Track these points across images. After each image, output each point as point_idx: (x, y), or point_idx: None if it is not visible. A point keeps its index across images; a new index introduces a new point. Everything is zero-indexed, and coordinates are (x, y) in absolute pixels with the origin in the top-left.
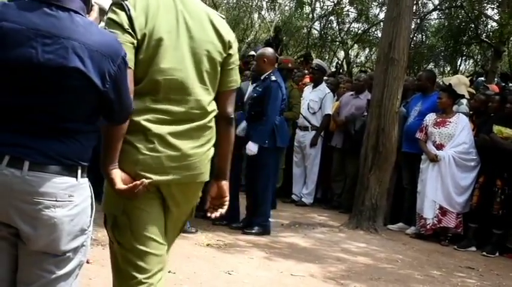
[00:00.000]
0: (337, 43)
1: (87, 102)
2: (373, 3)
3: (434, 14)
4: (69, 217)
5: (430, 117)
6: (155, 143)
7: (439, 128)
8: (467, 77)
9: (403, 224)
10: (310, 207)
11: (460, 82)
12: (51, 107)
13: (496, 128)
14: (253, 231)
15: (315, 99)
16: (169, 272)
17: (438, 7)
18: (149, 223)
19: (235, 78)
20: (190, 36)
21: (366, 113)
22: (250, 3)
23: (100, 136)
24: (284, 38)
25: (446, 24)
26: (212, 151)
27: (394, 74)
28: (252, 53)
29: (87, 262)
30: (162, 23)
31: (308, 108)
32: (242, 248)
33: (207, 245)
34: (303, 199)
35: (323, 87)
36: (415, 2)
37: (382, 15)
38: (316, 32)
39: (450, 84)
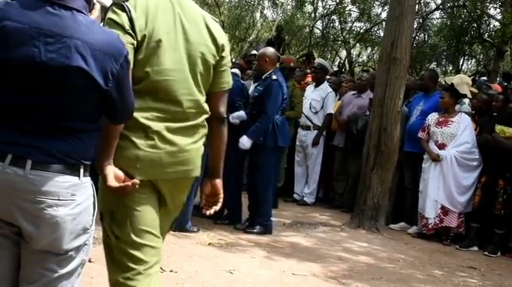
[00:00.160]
0: (339, 42)
1: (89, 101)
2: (375, 2)
3: (437, 14)
4: (72, 216)
5: (432, 117)
6: (155, 140)
7: (441, 127)
8: (469, 76)
9: (405, 223)
10: (311, 206)
11: (462, 82)
12: (54, 106)
13: (498, 128)
14: (255, 230)
15: (317, 99)
16: (171, 271)
17: (440, 6)
18: (147, 217)
19: (227, 80)
20: (187, 38)
21: (368, 113)
22: (252, 2)
23: None
24: (286, 37)
25: (448, 23)
26: (203, 148)
27: (396, 73)
28: (254, 52)
29: (89, 261)
30: (161, 25)
31: (310, 108)
32: (244, 248)
33: (209, 244)
34: (304, 198)
35: (325, 87)
36: (417, 1)
37: (384, 15)
38: (318, 31)
39: (452, 83)
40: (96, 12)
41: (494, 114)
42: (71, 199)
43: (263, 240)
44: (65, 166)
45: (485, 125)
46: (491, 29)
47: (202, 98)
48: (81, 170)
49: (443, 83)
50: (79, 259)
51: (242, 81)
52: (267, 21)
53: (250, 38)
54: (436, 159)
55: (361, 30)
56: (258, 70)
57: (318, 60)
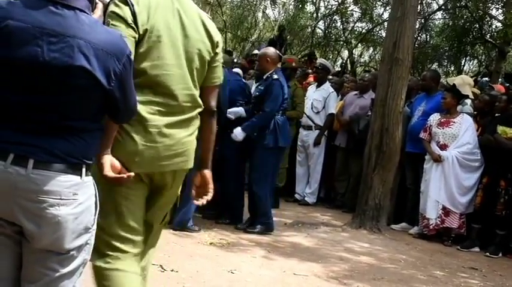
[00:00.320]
0: (341, 42)
1: (92, 100)
2: (377, 2)
3: (439, 14)
4: (74, 215)
5: (434, 118)
6: (153, 134)
7: (443, 128)
8: (471, 77)
9: (406, 224)
10: (313, 206)
11: (464, 82)
12: (57, 106)
13: (500, 129)
14: (256, 230)
15: (318, 99)
16: (172, 270)
17: (442, 7)
18: (133, 213)
19: (219, 75)
20: (185, 34)
21: (369, 113)
22: (255, 2)
23: None
24: (288, 37)
25: (450, 24)
26: (195, 140)
27: (398, 73)
28: (256, 52)
29: (90, 260)
30: (161, 20)
31: (312, 108)
32: (245, 247)
33: (210, 244)
34: (306, 199)
35: (327, 87)
36: (419, 2)
37: (386, 15)
38: (320, 31)
39: (454, 84)
40: (98, 12)
41: (496, 115)
42: (73, 199)
43: (264, 240)
44: (67, 165)
45: (487, 126)
46: (493, 30)
47: (197, 93)
48: (83, 170)
49: (445, 83)
50: (81, 258)
51: (244, 81)
52: (269, 21)
53: (252, 38)
54: (438, 160)
55: (363, 31)
56: (259, 70)
57: (320, 61)
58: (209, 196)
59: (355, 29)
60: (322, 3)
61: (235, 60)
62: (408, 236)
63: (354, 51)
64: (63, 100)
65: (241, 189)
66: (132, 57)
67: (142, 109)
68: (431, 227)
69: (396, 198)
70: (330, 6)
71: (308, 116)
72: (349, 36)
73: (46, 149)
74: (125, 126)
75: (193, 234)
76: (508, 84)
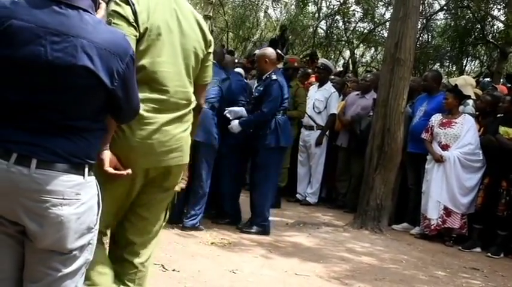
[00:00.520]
0: (343, 42)
1: (95, 100)
2: (379, 2)
3: (441, 14)
4: (76, 215)
5: (436, 118)
6: (148, 131)
7: (445, 128)
8: (473, 77)
9: (408, 224)
10: (314, 206)
11: (466, 83)
12: (60, 105)
13: (502, 129)
14: (252, 230)
15: (320, 99)
16: (173, 270)
17: (444, 7)
18: (116, 203)
19: (210, 74)
20: (182, 33)
21: (371, 113)
22: (256, 2)
23: None
24: (290, 37)
25: (452, 24)
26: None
27: (400, 74)
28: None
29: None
30: (160, 20)
31: (313, 108)
32: (246, 247)
33: (212, 243)
34: (307, 199)
35: (328, 87)
36: (421, 2)
37: (388, 15)
38: (322, 31)
39: (456, 84)
40: (102, 12)
41: (498, 115)
42: (76, 198)
43: (266, 240)
44: (69, 165)
45: (489, 126)
46: (495, 31)
47: (191, 90)
48: (86, 169)
49: (446, 83)
50: (83, 258)
51: (246, 81)
52: (271, 21)
53: (254, 38)
54: (440, 160)
55: (365, 31)
56: (258, 71)
57: (322, 61)
58: (184, 184)
59: (357, 29)
60: (324, 3)
61: (236, 60)
62: (410, 237)
63: (355, 51)
64: (66, 100)
65: (239, 189)
66: (135, 56)
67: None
68: (432, 227)
69: (398, 198)
70: (331, 6)
71: (310, 116)
72: (351, 36)
73: (49, 148)
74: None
75: (195, 234)
76: (509, 85)
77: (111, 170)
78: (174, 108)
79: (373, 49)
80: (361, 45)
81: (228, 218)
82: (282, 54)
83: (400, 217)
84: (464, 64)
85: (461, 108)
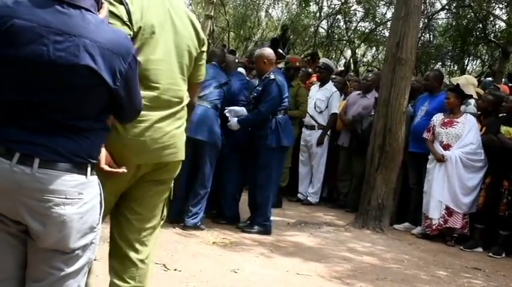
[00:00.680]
0: (344, 42)
1: (97, 100)
2: (381, 2)
3: (442, 14)
4: (79, 215)
5: (438, 118)
6: (141, 128)
7: (447, 128)
8: (475, 77)
9: (409, 224)
10: (316, 206)
11: (468, 82)
12: (62, 105)
13: (504, 129)
14: (253, 230)
15: (321, 98)
16: (175, 270)
17: (446, 7)
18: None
19: (203, 73)
20: (176, 32)
21: (373, 113)
22: (258, 2)
23: None
24: (291, 36)
25: (454, 24)
26: (184, 133)
27: (401, 73)
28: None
29: (94, 259)
30: (153, 18)
31: (315, 107)
32: (248, 247)
33: (213, 243)
34: (308, 198)
35: (330, 86)
36: (422, 1)
37: (389, 14)
38: (323, 30)
39: (458, 84)
40: (104, 12)
41: (500, 115)
42: (78, 198)
43: (267, 239)
44: (72, 165)
45: (490, 126)
46: (497, 30)
47: (184, 88)
48: (89, 169)
49: (448, 83)
50: (86, 258)
51: (248, 79)
52: (272, 21)
53: (255, 37)
54: (441, 160)
55: (366, 30)
56: (257, 71)
57: (323, 60)
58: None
59: (358, 28)
60: (325, 3)
61: (237, 60)
62: (411, 236)
63: (357, 51)
64: (68, 99)
65: (238, 189)
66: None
67: None
68: (434, 227)
69: (399, 198)
70: (333, 6)
71: (311, 116)
72: (352, 35)
73: (51, 148)
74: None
75: (196, 233)
76: (510, 85)
77: (106, 168)
78: (166, 106)
79: (374, 49)
80: (363, 44)
81: (226, 219)
82: (284, 53)
83: (402, 216)
84: (465, 63)
85: (463, 107)
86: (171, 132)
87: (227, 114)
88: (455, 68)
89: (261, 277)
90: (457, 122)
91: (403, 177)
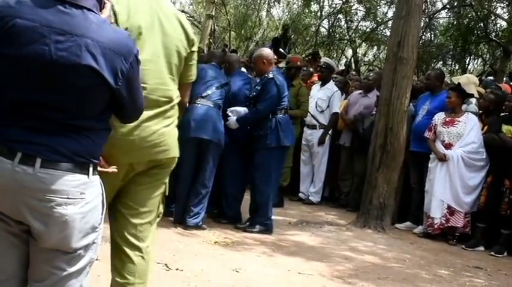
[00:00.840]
0: (346, 41)
1: (99, 99)
2: (382, 1)
3: (443, 13)
4: (81, 215)
5: (439, 117)
6: (129, 127)
7: (448, 127)
8: (476, 76)
9: (411, 223)
10: (317, 205)
11: (469, 81)
12: (63, 104)
13: (505, 128)
14: (255, 230)
15: (323, 98)
16: (177, 269)
17: (447, 6)
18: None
19: (194, 73)
20: (164, 32)
21: (374, 112)
22: (259, 1)
23: None
24: (292, 36)
25: (455, 23)
26: (177, 130)
27: (403, 73)
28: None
29: (96, 259)
30: (141, 19)
31: (316, 107)
32: (249, 246)
33: (215, 242)
34: (310, 198)
35: (331, 86)
36: (424, 0)
37: (390, 14)
38: (324, 30)
39: (459, 83)
40: (107, 12)
41: (502, 114)
42: (80, 198)
43: (269, 239)
44: (74, 165)
45: (492, 125)
46: (498, 29)
47: (174, 87)
48: (90, 169)
49: (449, 82)
50: (88, 258)
51: (250, 77)
52: (273, 20)
53: (256, 37)
54: (443, 159)
55: (367, 30)
56: (256, 71)
57: (324, 59)
58: None
59: (359, 28)
60: (326, 2)
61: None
62: (413, 235)
63: (358, 50)
64: (70, 99)
65: (240, 189)
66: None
67: None
68: (436, 226)
69: (401, 197)
70: (334, 5)
71: (312, 115)
72: (354, 35)
73: (53, 148)
74: None
75: (198, 233)
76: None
77: (98, 168)
78: (154, 105)
79: (375, 48)
80: (364, 44)
81: (227, 219)
82: (285, 53)
83: (403, 215)
84: (467, 63)
85: (464, 107)
86: (160, 131)
87: (230, 114)
88: (457, 67)
89: (262, 276)
90: (459, 121)
91: (404, 176)
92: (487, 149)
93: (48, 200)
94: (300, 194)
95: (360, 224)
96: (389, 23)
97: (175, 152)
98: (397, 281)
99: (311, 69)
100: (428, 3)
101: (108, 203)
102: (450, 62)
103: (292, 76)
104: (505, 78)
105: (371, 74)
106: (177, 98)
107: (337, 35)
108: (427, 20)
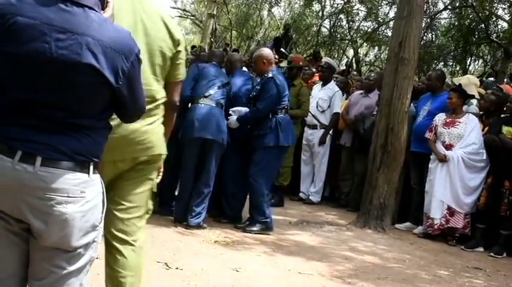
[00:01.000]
0: (347, 41)
1: (100, 98)
2: (383, 1)
3: (445, 14)
4: (81, 213)
5: (440, 117)
6: (112, 126)
7: (449, 128)
8: (477, 77)
9: (411, 223)
10: (317, 205)
11: (470, 82)
12: (64, 103)
13: (505, 129)
14: (254, 228)
15: (324, 98)
16: (176, 268)
17: (449, 6)
18: None
19: (182, 72)
20: (146, 33)
21: (375, 112)
22: (260, 0)
23: None
24: (293, 35)
25: (456, 24)
26: (162, 128)
27: (404, 73)
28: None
29: (96, 258)
30: (123, 19)
31: (317, 107)
32: (249, 246)
33: (215, 242)
34: (310, 197)
35: (332, 86)
36: (425, 1)
37: (392, 14)
38: (325, 30)
39: (460, 84)
40: (110, 11)
41: (502, 115)
42: (81, 196)
43: (269, 238)
44: (74, 163)
45: (492, 126)
46: (499, 30)
47: (158, 87)
48: (91, 168)
49: (450, 83)
50: (88, 256)
51: (252, 76)
52: (275, 20)
53: (258, 36)
54: (443, 159)
55: (369, 30)
56: (256, 72)
57: (325, 59)
58: (159, 178)
59: (360, 28)
60: (328, 2)
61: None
62: (412, 236)
63: (359, 50)
64: (70, 97)
65: (241, 188)
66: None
67: None
68: (435, 227)
69: (401, 197)
70: (335, 5)
71: (313, 115)
72: (355, 35)
73: (54, 146)
74: None
75: (198, 232)
76: None
77: None
78: None
79: (376, 48)
80: (365, 44)
81: (227, 218)
82: (286, 53)
83: (403, 216)
84: (468, 64)
85: (465, 107)
86: (142, 129)
87: (231, 114)
88: (458, 68)
89: (262, 275)
90: (459, 122)
91: (405, 177)
92: (487, 150)
93: (48, 199)
94: (301, 194)
95: (360, 224)
96: (391, 24)
97: (160, 149)
98: (397, 281)
99: (313, 69)
100: (430, 3)
101: None
102: (451, 63)
103: (293, 76)
104: (505, 79)
105: (372, 75)
106: (162, 98)
107: (339, 35)
108: (428, 20)
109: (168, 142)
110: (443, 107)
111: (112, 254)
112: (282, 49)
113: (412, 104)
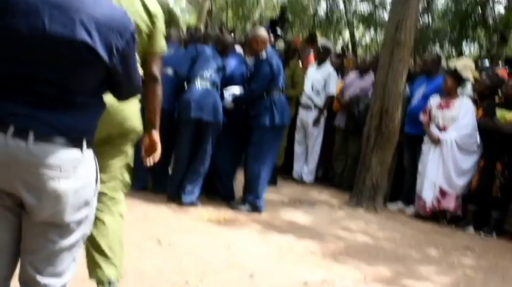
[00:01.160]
0: (343, 24)
1: (93, 75)
2: None
3: None
4: (74, 189)
5: (434, 100)
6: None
7: (443, 110)
8: (473, 61)
9: (403, 203)
10: (311, 185)
11: (465, 66)
12: (57, 79)
13: (499, 112)
14: (243, 207)
15: (318, 79)
16: (169, 245)
17: None
18: None
19: (161, 44)
20: None
21: (370, 94)
22: None
23: None
24: (290, 17)
25: (453, 8)
26: (137, 104)
27: (399, 55)
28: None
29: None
30: None
31: (312, 88)
32: (242, 224)
33: (208, 220)
34: (303, 177)
35: (327, 67)
36: None
37: None
38: (322, 12)
39: (455, 67)
40: None
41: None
42: (73, 172)
43: (261, 217)
44: (67, 139)
45: (487, 109)
46: (496, 15)
47: None
48: (84, 144)
49: (445, 66)
50: (81, 232)
51: (245, 58)
52: (271, 0)
53: (254, 17)
54: (437, 142)
55: (365, 12)
56: (251, 52)
57: (322, 41)
58: (157, 156)
59: (357, 11)
60: None
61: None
62: (404, 216)
63: (355, 32)
64: (63, 74)
65: (233, 169)
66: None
67: None
68: (427, 207)
69: (393, 178)
70: None
71: (308, 96)
72: (351, 17)
73: (47, 122)
74: None
75: (191, 210)
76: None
77: None
78: None
79: (372, 30)
80: (361, 26)
81: (220, 196)
82: (281, 35)
83: (395, 196)
84: (463, 47)
85: (459, 90)
86: (120, 107)
87: (225, 95)
88: (453, 52)
89: (254, 253)
90: (454, 104)
91: (398, 158)
92: (480, 133)
93: (41, 174)
94: (294, 174)
95: (353, 204)
96: (388, 6)
97: (133, 123)
98: (388, 260)
99: (311, 50)
100: None
101: None
102: (447, 46)
103: (289, 57)
104: (500, 63)
105: (367, 56)
106: None
107: (335, 17)
108: (425, 4)
109: (160, 120)
110: (439, 89)
111: (97, 225)
112: (277, 30)
113: (406, 87)
